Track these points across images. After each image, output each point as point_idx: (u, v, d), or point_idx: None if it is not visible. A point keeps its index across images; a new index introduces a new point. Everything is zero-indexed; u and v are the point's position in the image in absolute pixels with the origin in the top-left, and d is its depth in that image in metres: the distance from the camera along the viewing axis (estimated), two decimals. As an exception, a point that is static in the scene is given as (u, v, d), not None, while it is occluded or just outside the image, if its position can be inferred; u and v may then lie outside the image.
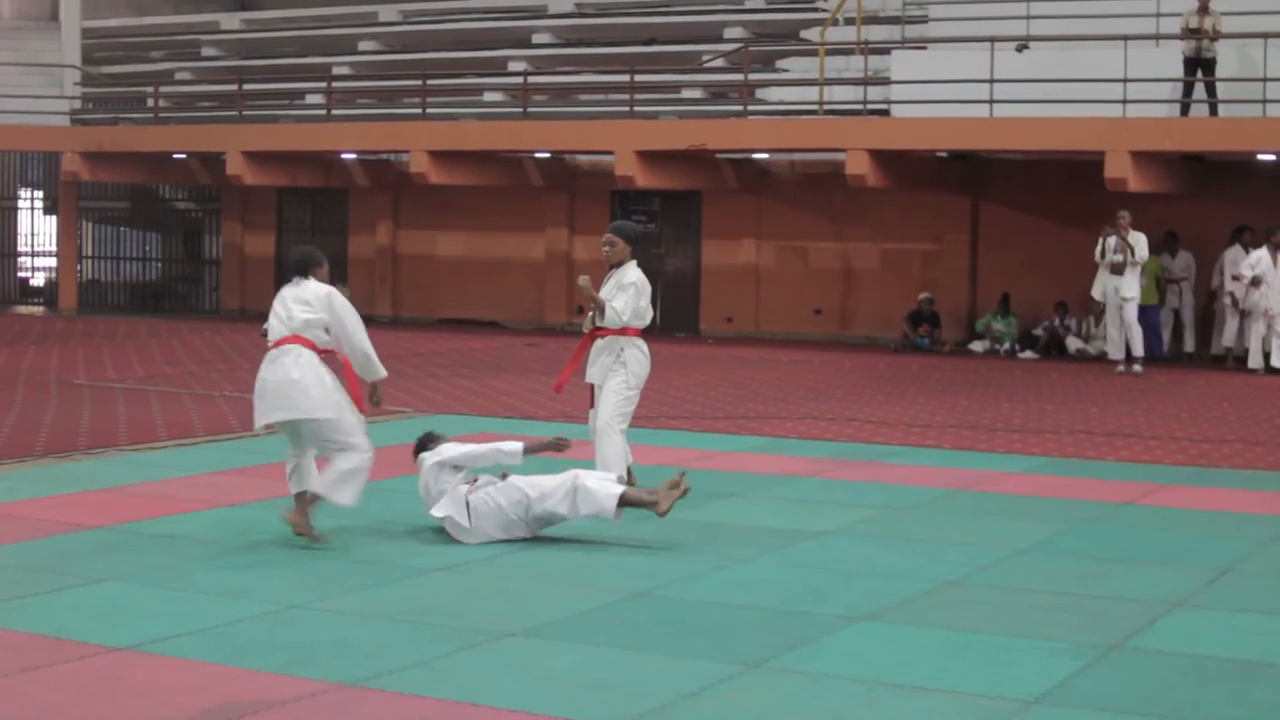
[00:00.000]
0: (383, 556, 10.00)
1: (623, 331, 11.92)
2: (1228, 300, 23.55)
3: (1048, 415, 17.54)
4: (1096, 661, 7.74)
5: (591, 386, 12.17)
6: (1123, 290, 22.19)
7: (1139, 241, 22.11)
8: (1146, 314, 24.63)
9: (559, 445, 10.77)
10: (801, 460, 12.65)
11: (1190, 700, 7.18)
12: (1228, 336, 23.83)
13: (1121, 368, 22.48)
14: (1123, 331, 22.56)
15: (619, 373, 11.90)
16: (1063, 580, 9.53)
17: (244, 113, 30.77)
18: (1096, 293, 22.70)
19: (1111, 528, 11.30)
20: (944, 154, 26.05)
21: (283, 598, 8.84)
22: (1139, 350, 22.57)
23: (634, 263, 12.08)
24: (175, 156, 31.81)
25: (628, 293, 11.89)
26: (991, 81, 23.18)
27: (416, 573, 9.55)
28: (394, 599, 8.89)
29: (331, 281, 10.90)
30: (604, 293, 11.98)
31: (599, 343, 12.04)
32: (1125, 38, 22.67)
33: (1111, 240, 22.18)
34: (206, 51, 35.40)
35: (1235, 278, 23.14)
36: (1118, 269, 22.17)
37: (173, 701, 6.98)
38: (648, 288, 12.03)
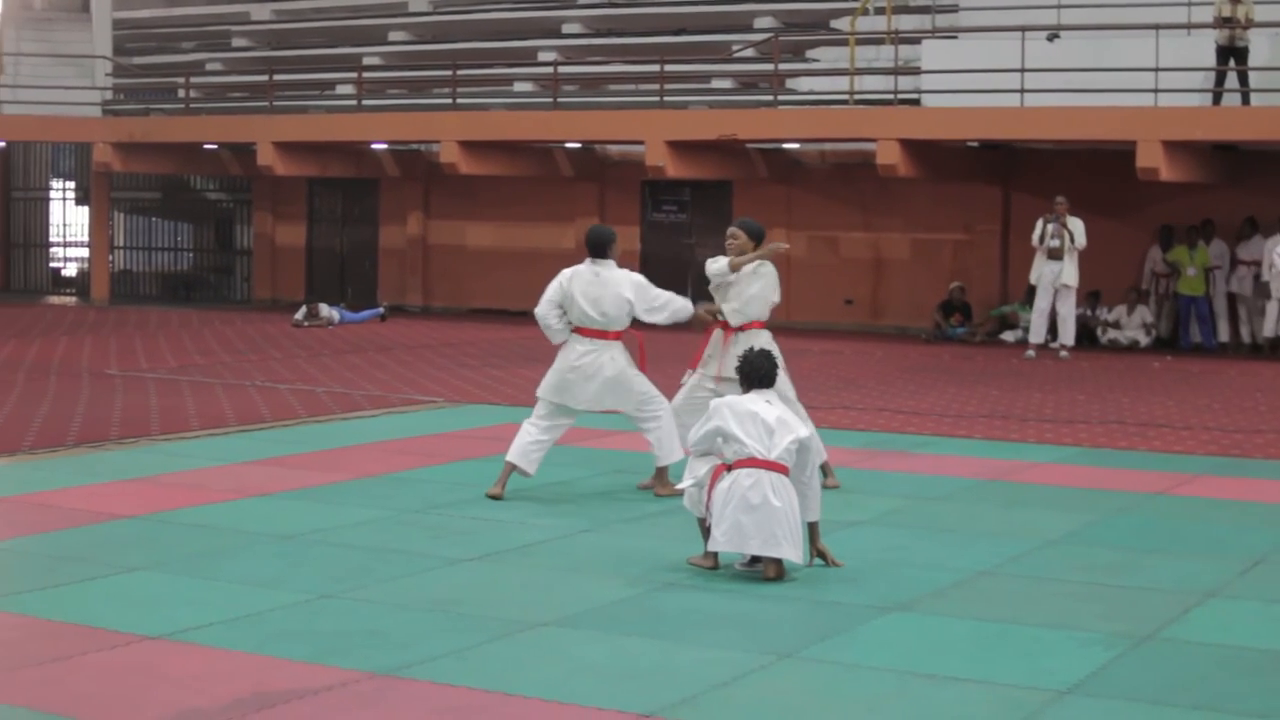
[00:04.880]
0: (414, 547, 10.02)
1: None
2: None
3: (1079, 405, 17.49)
4: (1129, 652, 7.72)
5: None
6: (1063, 277, 22.42)
7: (1077, 227, 22.33)
8: (1197, 305, 24.64)
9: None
10: (833, 450, 12.62)
11: (1223, 691, 7.17)
12: (1268, 326, 23.80)
13: (1032, 352, 22.82)
14: (1047, 317, 22.88)
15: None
16: (1095, 570, 9.51)
17: (275, 103, 30.83)
18: (1033, 277, 22.92)
19: (1143, 518, 11.28)
20: (975, 144, 25.98)
21: (315, 587, 8.86)
22: (1069, 339, 22.80)
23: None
24: (206, 147, 31.87)
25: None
26: (1022, 71, 23.10)
27: (448, 563, 9.56)
28: (425, 589, 8.91)
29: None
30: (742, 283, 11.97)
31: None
32: (1157, 27, 22.58)
33: (1050, 226, 22.34)
34: (237, 42, 35.44)
35: None
36: (1055, 254, 22.36)
37: (205, 690, 7.00)
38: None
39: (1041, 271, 22.56)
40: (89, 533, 10.33)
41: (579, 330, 11.86)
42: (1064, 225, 22.31)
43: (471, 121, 27.99)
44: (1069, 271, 22.40)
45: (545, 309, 11.87)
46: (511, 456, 11.77)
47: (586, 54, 30.91)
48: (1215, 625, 8.30)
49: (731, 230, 12.12)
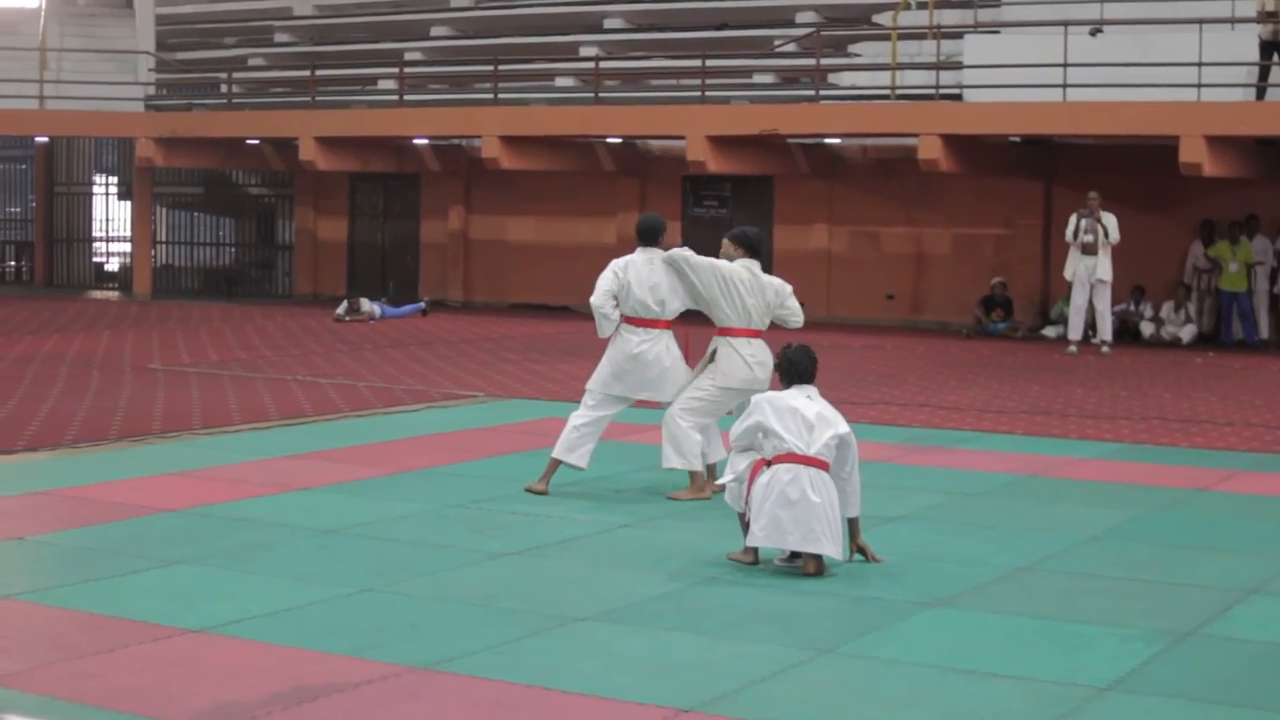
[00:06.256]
0: (454, 541, 10.04)
1: (720, 331, 11.68)
2: None
3: (1121, 401, 17.44)
4: (1169, 649, 7.70)
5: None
6: (1098, 272, 22.52)
7: (1110, 222, 22.44)
8: (1239, 301, 24.55)
9: None
10: (873, 446, 12.61)
11: (1264, 688, 7.14)
12: None
13: (1074, 348, 22.87)
14: (1085, 313, 23.00)
15: (707, 371, 11.68)
16: (1135, 567, 9.48)
17: (316, 98, 30.88)
18: (1068, 273, 23.00)
19: (1185, 514, 11.24)
20: (1017, 139, 25.90)
21: (354, 581, 8.88)
22: (1107, 334, 22.92)
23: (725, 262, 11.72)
24: (248, 142, 31.96)
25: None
26: (1065, 65, 23.01)
27: (487, 557, 9.58)
28: (465, 583, 8.92)
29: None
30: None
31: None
32: (1200, 21, 22.45)
33: (1084, 221, 22.41)
34: (279, 37, 35.50)
35: None
36: (1089, 249, 22.42)
37: (244, 683, 7.03)
38: (713, 285, 11.54)
39: (1076, 268, 22.59)
40: (130, 526, 10.38)
41: (632, 321, 11.70)
42: (1098, 220, 22.36)
43: (513, 116, 28.00)
44: (1103, 266, 22.42)
45: (602, 299, 11.66)
46: (558, 453, 11.73)
47: (628, 49, 30.90)
48: (1257, 622, 8.26)
49: (724, 241, 11.70)
